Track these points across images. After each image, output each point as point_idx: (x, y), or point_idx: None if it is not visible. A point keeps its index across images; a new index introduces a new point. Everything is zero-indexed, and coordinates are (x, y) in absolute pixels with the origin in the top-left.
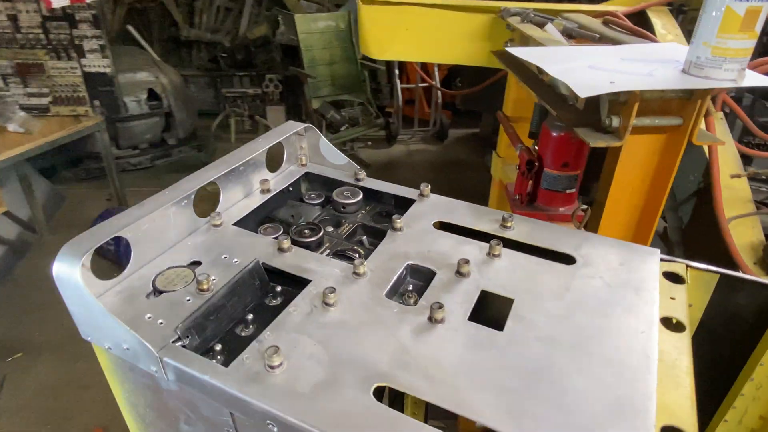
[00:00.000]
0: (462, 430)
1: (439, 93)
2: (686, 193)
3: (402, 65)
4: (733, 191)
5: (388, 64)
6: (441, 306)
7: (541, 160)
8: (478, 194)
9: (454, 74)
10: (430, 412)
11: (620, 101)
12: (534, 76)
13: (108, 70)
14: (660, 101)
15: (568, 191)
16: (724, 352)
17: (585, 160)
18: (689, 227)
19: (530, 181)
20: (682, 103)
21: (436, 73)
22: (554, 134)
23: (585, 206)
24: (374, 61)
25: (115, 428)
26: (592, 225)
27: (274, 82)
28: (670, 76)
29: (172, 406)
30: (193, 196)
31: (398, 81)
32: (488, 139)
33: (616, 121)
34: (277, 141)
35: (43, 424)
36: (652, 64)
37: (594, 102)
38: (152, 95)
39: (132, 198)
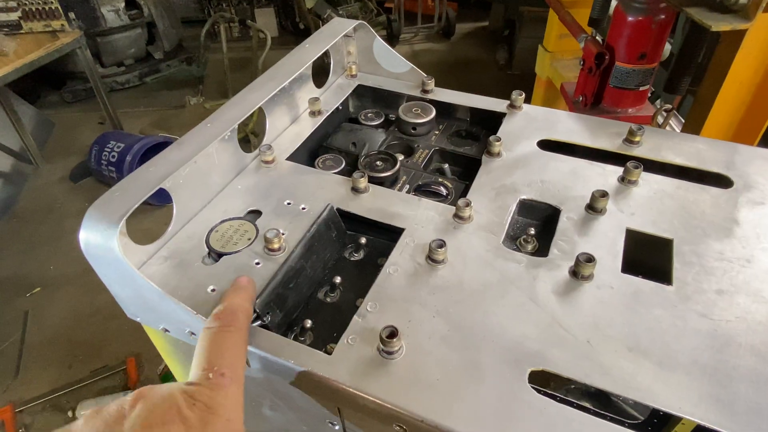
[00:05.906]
0: None
1: None
2: None
3: None
4: None
5: None
6: (591, 259)
7: (612, 53)
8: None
9: None
10: None
11: None
12: None
13: None
14: None
15: (641, 88)
16: None
17: (663, 48)
18: None
19: (596, 79)
20: None
21: None
22: (631, 18)
23: (669, 106)
24: None
25: (148, 356)
26: (691, 127)
27: None
28: None
29: (254, 392)
30: (236, 128)
31: None
32: (499, 33)
33: None
34: (330, 45)
35: (73, 356)
36: None
37: None
38: (130, 4)
39: (125, 120)
